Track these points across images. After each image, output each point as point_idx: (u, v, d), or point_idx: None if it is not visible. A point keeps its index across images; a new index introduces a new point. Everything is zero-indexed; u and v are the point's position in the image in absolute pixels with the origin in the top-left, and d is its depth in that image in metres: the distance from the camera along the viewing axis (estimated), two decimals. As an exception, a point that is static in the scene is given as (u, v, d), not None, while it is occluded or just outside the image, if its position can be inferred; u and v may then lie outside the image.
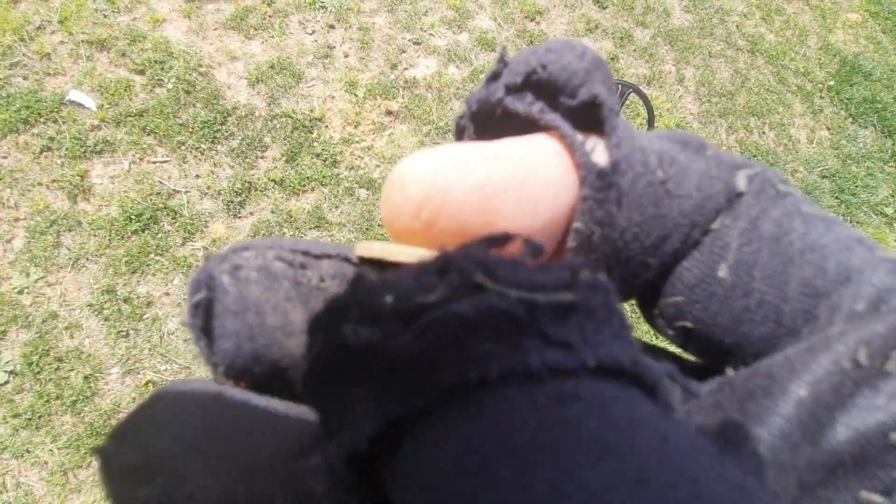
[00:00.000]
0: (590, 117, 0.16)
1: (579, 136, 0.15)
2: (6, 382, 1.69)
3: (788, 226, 0.15)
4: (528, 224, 0.15)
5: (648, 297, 0.17)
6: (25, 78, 2.16)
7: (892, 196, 2.78)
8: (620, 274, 0.15)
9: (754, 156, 2.73)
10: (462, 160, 0.15)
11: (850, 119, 3.02)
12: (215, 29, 2.45)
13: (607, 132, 0.15)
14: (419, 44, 2.63)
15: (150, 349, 1.80)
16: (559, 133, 0.15)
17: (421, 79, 2.53)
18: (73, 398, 1.69)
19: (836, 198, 2.71)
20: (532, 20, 2.85)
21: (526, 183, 0.15)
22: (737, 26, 3.18)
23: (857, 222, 2.66)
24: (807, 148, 2.86)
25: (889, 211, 2.73)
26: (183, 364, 1.80)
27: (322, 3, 2.62)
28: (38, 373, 1.71)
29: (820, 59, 3.20)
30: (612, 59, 2.82)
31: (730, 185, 0.16)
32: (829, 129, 2.96)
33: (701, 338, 0.15)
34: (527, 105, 0.16)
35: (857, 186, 2.77)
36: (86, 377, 1.73)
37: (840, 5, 3.53)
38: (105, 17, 2.36)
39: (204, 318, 0.16)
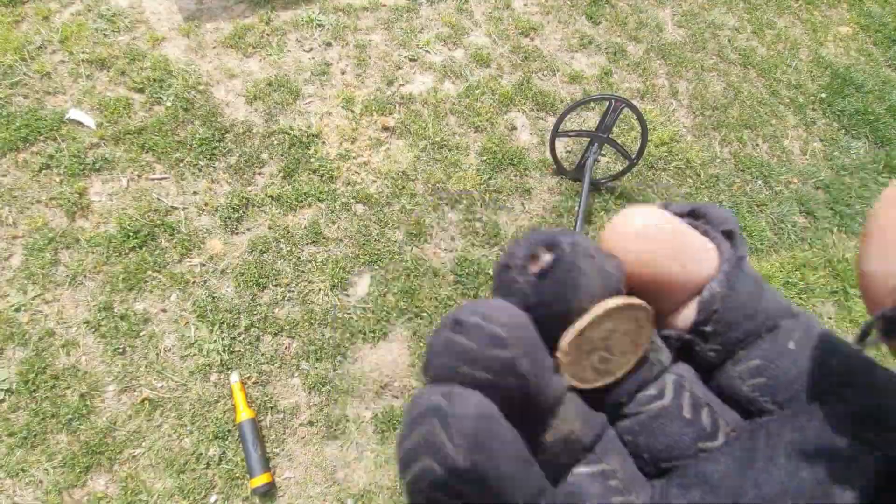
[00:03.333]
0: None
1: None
2: (2, 401, 1.69)
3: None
4: (682, 280, 0.22)
5: (719, 369, 0.23)
6: (26, 97, 2.19)
7: (887, 206, 2.80)
8: (716, 343, 0.23)
9: (749, 168, 2.75)
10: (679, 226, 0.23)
11: (843, 130, 3.05)
12: (214, 47, 2.49)
13: (738, 242, 0.23)
14: (415, 60, 2.67)
15: (146, 366, 1.80)
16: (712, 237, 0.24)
17: (417, 95, 2.56)
18: (69, 416, 1.69)
19: (831, 208, 2.72)
20: (526, 36, 2.89)
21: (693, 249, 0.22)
22: (729, 40, 3.22)
23: (853, 233, 2.68)
24: (800, 159, 2.88)
25: (883, 221, 2.74)
26: (179, 381, 1.80)
27: (319, 21, 2.66)
28: (34, 391, 1.71)
29: (812, 72, 3.24)
30: (605, 73, 2.85)
31: (788, 306, 0.23)
32: (822, 140, 2.98)
33: (773, 388, 0.22)
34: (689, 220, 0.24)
35: (851, 197, 2.78)
36: (82, 395, 1.72)
37: (831, 18, 3.58)
38: (105, 36, 2.39)
39: (550, 274, 0.20)
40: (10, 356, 1.75)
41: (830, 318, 2.41)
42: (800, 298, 2.41)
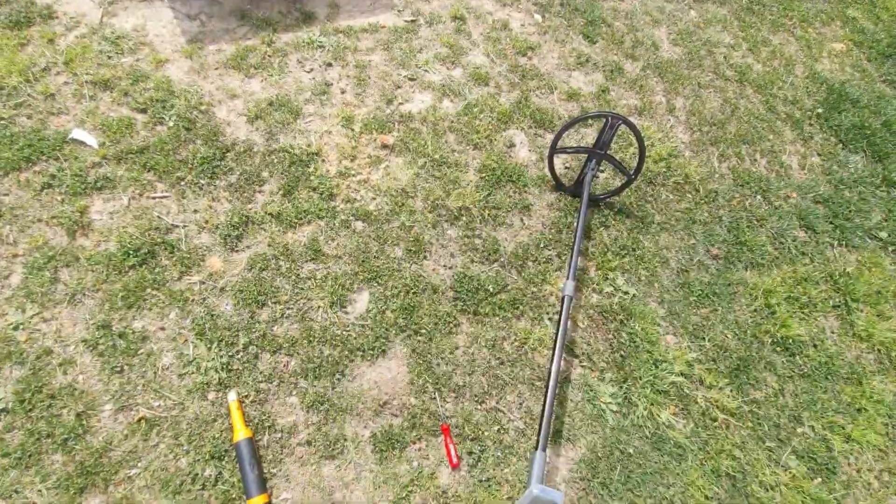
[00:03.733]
0: None
1: None
2: (-2, 421, 1.67)
3: None
4: None
5: None
6: (29, 117, 2.22)
7: (886, 220, 2.80)
8: None
9: (748, 182, 2.76)
10: None
11: (841, 145, 3.06)
12: (216, 68, 2.53)
13: None
14: (414, 79, 2.70)
15: (144, 385, 1.79)
16: None
17: (416, 113, 2.59)
18: (65, 436, 1.67)
19: (831, 222, 2.72)
20: (524, 55, 2.93)
21: None
22: (724, 57, 3.26)
23: (853, 247, 2.67)
24: (799, 174, 2.89)
25: (883, 235, 2.74)
26: (176, 399, 1.78)
27: (320, 42, 2.70)
28: (30, 410, 1.69)
29: (808, 88, 3.27)
30: (602, 91, 2.89)
31: None
32: (820, 154, 3.00)
33: None
34: None
35: (850, 211, 2.78)
36: (78, 414, 1.71)
37: (825, 35, 3.63)
38: (109, 58, 2.44)
39: None
40: (7, 375, 1.74)
41: (833, 333, 2.39)
42: (802, 313, 2.40)
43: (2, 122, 2.17)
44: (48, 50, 2.39)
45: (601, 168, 2.60)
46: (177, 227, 2.10)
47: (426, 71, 2.75)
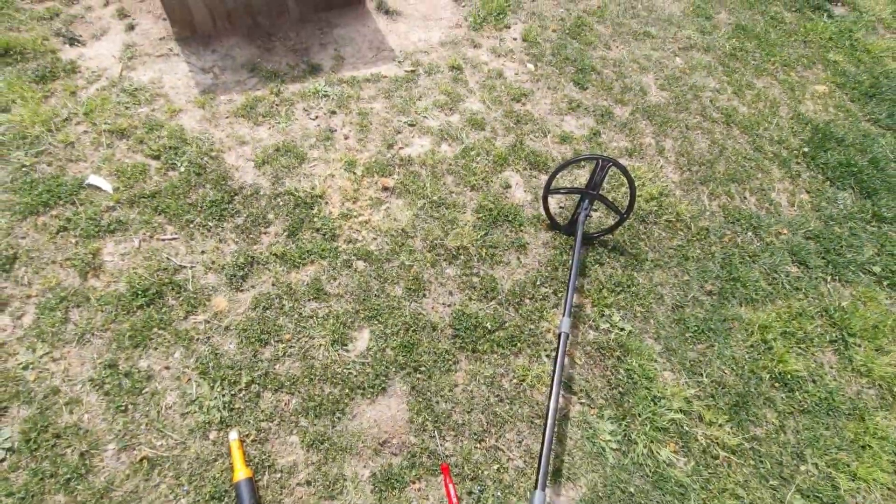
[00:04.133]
0: None
1: None
2: (3, 460, 1.69)
3: None
4: None
5: None
6: (49, 164, 2.34)
7: (879, 255, 2.85)
8: None
9: (738, 220, 2.83)
10: None
11: (829, 182, 3.15)
12: (227, 117, 2.67)
13: None
14: (414, 125, 2.84)
15: (147, 424, 1.82)
16: None
17: (416, 157, 2.71)
18: (68, 476, 1.69)
19: (823, 258, 2.77)
20: (518, 102, 3.08)
21: None
22: (710, 101, 3.41)
23: (847, 281, 2.71)
24: (788, 211, 2.97)
25: (877, 269, 2.78)
26: (178, 439, 1.80)
27: (325, 91, 2.86)
28: (36, 450, 1.72)
29: (793, 128, 3.40)
30: (594, 134, 3.01)
31: None
32: (808, 192, 3.08)
33: None
34: None
35: (842, 246, 2.84)
36: (82, 454, 1.73)
37: (807, 78, 3.79)
38: (126, 108, 2.59)
39: None
40: (15, 414, 1.77)
41: (832, 368, 2.40)
42: (799, 348, 2.41)
43: (23, 169, 2.29)
44: (70, 101, 2.54)
45: (594, 207, 2.69)
46: (184, 267, 2.17)
47: (425, 117, 2.89)
